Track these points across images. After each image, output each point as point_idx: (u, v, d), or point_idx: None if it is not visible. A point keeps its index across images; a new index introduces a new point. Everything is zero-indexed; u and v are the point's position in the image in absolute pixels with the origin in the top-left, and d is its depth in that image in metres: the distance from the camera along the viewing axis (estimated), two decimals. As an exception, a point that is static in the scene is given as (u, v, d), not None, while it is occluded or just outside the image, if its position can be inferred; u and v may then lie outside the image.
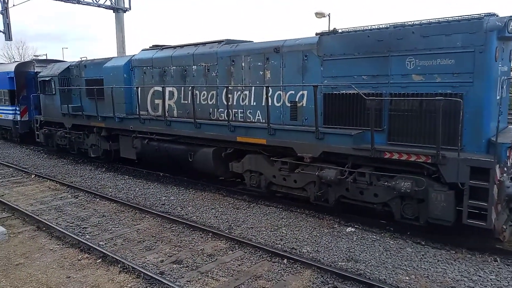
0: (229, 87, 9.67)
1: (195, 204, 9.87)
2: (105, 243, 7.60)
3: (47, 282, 6.23)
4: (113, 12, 25.79)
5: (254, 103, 9.49)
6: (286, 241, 7.38)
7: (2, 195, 11.10)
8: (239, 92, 9.77)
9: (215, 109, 10.34)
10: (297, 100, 8.65)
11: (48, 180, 12.73)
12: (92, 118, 13.67)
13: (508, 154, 6.61)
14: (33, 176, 13.45)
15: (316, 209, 8.85)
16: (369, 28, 7.56)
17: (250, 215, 8.87)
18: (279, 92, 8.95)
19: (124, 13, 26.10)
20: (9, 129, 20.30)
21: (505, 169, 6.61)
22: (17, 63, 20.75)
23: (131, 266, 6.44)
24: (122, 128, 12.69)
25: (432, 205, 6.75)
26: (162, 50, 11.89)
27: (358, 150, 7.40)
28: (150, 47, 12.64)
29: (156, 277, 6.05)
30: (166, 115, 11.12)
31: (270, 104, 8.74)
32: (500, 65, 6.76)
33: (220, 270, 6.40)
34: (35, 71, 18.59)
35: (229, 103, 9.62)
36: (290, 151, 8.57)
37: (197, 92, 10.50)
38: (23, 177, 13.42)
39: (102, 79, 13.28)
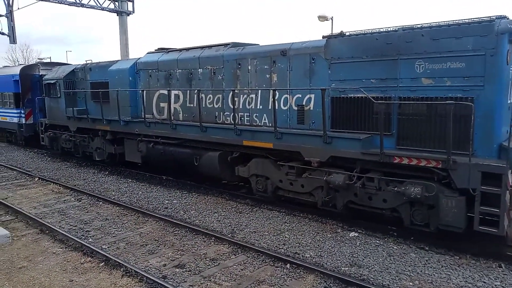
0: (235, 91, 9.60)
1: (198, 207, 9.85)
2: (108, 247, 7.59)
3: (50, 285, 6.23)
4: (117, 15, 25.92)
5: (261, 107, 9.41)
6: (289, 246, 7.35)
7: (6, 198, 11.11)
8: (245, 96, 9.70)
9: (221, 113, 10.26)
10: (304, 103, 8.56)
11: (52, 183, 12.75)
12: (97, 121, 13.64)
13: (520, 159, 6.49)
14: (36, 179, 13.47)
15: (319, 214, 8.79)
16: (378, 31, 7.46)
17: (253, 219, 8.83)
18: (285, 95, 8.86)
19: (127, 16, 26.22)
20: (13, 132, 20.35)
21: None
22: (22, 66, 20.80)
23: (134, 270, 6.43)
24: (127, 132, 12.65)
25: (443, 211, 6.63)
26: (168, 53, 11.84)
27: (367, 155, 7.30)
28: (155, 50, 12.61)
29: (159, 281, 6.03)
30: (172, 118, 11.06)
31: (276, 107, 8.65)
32: (511, 68, 6.65)
33: (222, 274, 6.37)
34: (40, 74, 18.61)
35: (235, 107, 9.55)
36: (297, 155, 8.48)
37: (203, 95, 10.43)
38: (26, 180, 13.44)
39: (107, 82, 13.26)
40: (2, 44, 78.87)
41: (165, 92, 11.33)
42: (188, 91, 10.93)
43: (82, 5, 24.21)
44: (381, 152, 7.02)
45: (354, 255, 6.86)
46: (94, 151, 14.50)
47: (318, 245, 7.35)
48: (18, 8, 21.95)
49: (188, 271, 6.49)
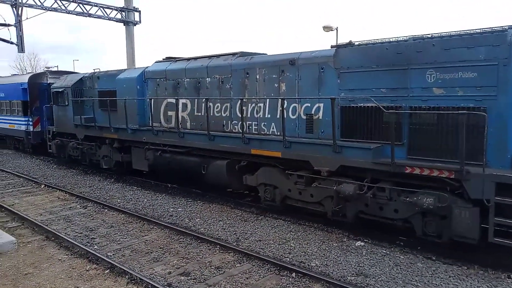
0: (244, 99, 9.59)
1: (202, 215, 9.86)
2: (113, 254, 7.61)
3: None
4: (124, 25, 26.11)
5: (269, 116, 9.39)
6: (295, 255, 7.32)
7: (12, 205, 11.20)
8: (253, 104, 9.68)
9: (229, 121, 10.25)
10: (313, 112, 8.53)
11: (58, 190, 12.83)
12: (104, 130, 13.68)
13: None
14: (42, 186, 13.55)
15: (325, 223, 8.76)
16: (388, 40, 7.44)
17: (258, 228, 8.81)
18: (294, 104, 8.84)
19: (134, 26, 26.42)
20: (21, 140, 20.44)
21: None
22: (30, 74, 21.00)
23: (139, 278, 6.45)
24: (135, 140, 12.66)
25: (456, 222, 6.54)
26: (176, 62, 11.88)
27: (378, 164, 7.24)
28: (163, 59, 12.66)
29: None
30: (180, 127, 11.06)
31: (285, 116, 8.62)
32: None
33: (227, 283, 6.35)
34: (48, 82, 18.74)
35: (244, 115, 9.53)
36: (305, 164, 8.43)
37: (211, 104, 10.43)
38: (33, 187, 13.53)
39: (115, 90, 13.30)
40: (10, 53, 79.70)
41: (173, 100, 11.35)
42: (196, 99, 10.94)
43: (90, 15, 24.42)
44: (392, 162, 6.95)
45: (360, 265, 6.82)
46: (101, 159, 14.52)
47: (324, 254, 7.33)
48: (27, 18, 22.11)
49: (193, 279, 6.50)
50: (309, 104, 8.57)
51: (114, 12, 25.33)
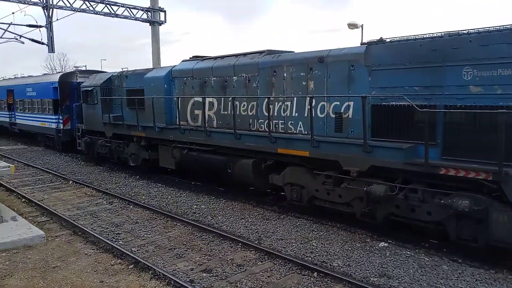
0: (271, 98, 9.50)
1: (225, 213, 9.92)
2: (137, 250, 7.74)
3: (81, 285, 6.42)
4: (149, 25, 26.48)
5: (296, 114, 9.27)
6: (317, 254, 7.27)
7: (42, 200, 11.54)
8: (280, 103, 9.58)
9: (255, 120, 10.19)
10: (342, 111, 8.36)
11: (85, 187, 13.16)
12: (132, 128, 13.87)
13: None
14: (70, 182, 13.94)
15: (348, 223, 8.65)
16: (422, 37, 7.20)
17: (280, 227, 8.80)
18: (322, 103, 8.68)
19: (159, 26, 26.74)
20: (51, 137, 21.01)
21: None
22: (61, 73, 21.57)
23: (162, 273, 6.52)
24: (162, 138, 12.78)
25: (494, 226, 6.26)
26: (203, 61, 11.91)
27: (410, 165, 7.01)
28: (190, 58, 12.71)
29: (186, 285, 6.10)
30: (206, 125, 11.08)
31: (313, 115, 8.49)
32: None
33: (249, 281, 6.36)
34: (78, 81, 19.17)
35: (270, 114, 9.44)
36: (333, 164, 8.27)
37: (237, 102, 10.39)
38: (61, 183, 13.92)
39: (142, 89, 13.46)
40: (41, 53, 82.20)
41: (200, 99, 11.38)
42: (222, 98, 10.93)
43: (117, 16, 24.88)
44: (426, 163, 6.72)
45: (383, 266, 6.71)
46: (128, 157, 14.73)
47: (346, 254, 7.25)
48: (57, 19, 22.72)
49: (215, 276, 6.55)
50: (338, 103, 8.40)
51: (140, 12, 25.73)
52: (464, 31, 6.75)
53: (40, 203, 11.02)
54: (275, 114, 9.63)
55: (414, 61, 7.19)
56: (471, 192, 6.55)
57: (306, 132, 8.98)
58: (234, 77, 10.64)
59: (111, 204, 11.12)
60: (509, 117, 5.97)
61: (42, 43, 23.12)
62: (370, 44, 7.89)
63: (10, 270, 6.97)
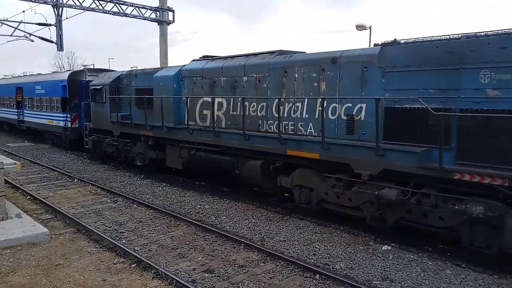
0: (281, 99, 9.40)
1: (228, 214, 9.89)
2: (140, 249, 7.72)
3: (84, 283, 6.38)
4: (158, 24, 26.56)
5: (306, 116, 9.15)
6: (319, 256, 7.25)
7: (47, 198, 11.53)
8: (290, 104, 9.47)
9: (264, 121, 10.08)
10: (354, 113, 8.23)
11: (90, 185, 13.15)
12: (140, 127, 13.82)
13: None
14: (76, 180, 13.93)
15: (351, 225, 8.60)
16: (438, 38, 7.06)
17: (283, 228, 8.77)
18: (334, 104, 8.57)
19: (168, 26, 26.81)
20: (59, 135, 21.04)
21: None
22: (70, 71, 21.59)
23: (164, 273, 6.51)
24: (170, 138, 12.71)
25: (509, 233, 6.09)
26: (213, 60, 11.85)
27: (424, 169, 6.86)
28: (200, 57, 12.66)
29: (188, 285, 6.08)
30: (215, 126, 10.99)
31: (324, 116, 8.37)
32: None
33: (251, 282, 6.35)
34: (87, 79, 19.20)
35: (280, 115, 9.33)
36: (344, 167, 8.14)
37: (247, 103, 10.29)
38: (66, 181, 13.93)
39: (151, 88, 13.42)
40: (50, 51, 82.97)
41: (209, 99, 11.30)
42: (231, 98, 10.85)
43: (125, 15, 24.99)
44: (440, 167, 6.57)
45: (386, 269, 6.67)
46: (136, 156, 14.68)
47: (349, 257, 7.22)
48: (67, 18, 22.85)
49: (217, 277, 6.53)
50: (350, 104, 8.28)
51: (149, 11, 25.82)
52: (482, 33, 6.61)
53: (45, 201, 11.02)
54: (285, 115, 9.52)
55: (430, 63, 7.06)
56: (485, 198, 6.39)
57: (316, 134, 8.86)
58: (244, 77, 10.55)
59: (115, 202, 11.10)
60: (529, 122, 5.81)
61: (51, 42, 23.27)
62: (384, 45, 7.76)
63: (14, 267, 6.93)
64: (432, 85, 7.07)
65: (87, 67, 25.86)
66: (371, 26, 23.45)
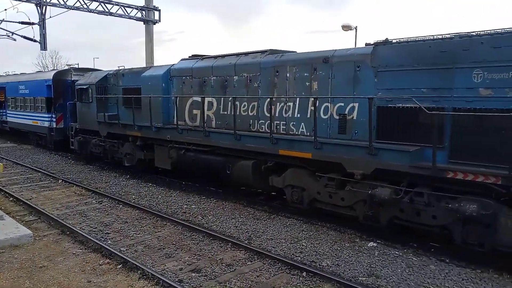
0: (273, 98, 9.32)
1: (215, 213, 9.85)
2: (126, 249, 7.65)
3: (69, 285, 6.29)
4: (143, 23, 26.30)
5: (298, 115, 9.09)
6: (306, 254, 7.28)
7: (30, 199, 11.30)
8: (282, 104, 9.41)
9: (256, 121, 9.99)
10: (346, 112, 8.20)
11: (74, 186, 12.93)
12: (128, 127, 13.58)
13: None
14: (60, 181, 13.67)
15: (338, 223, 8.67)
16: (431, 38, 7.08)
17: (270, 226, 8.79)
18: (326, 104, 8.53)
19: (154, 25, 26.57)
20: (44, 136, 20.58)
21: None
22: (55, 71, 21.14)
23: (151, 273, 6.46)
24: (159, 138, 12.52)
25: (503, 231, 6.13)
26: (202, 60, 11.71)
27: (417, 168, 6.86)
28: (189, 56, 12.51)
29: (175, 285, 6.05)
30: (205, 125, 10.85)
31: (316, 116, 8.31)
32: None
33: (238, 280, 6.33)
34: (72, 79, 18.82)
35: (272, 115, 9.25)
36: (336, 166, 8.10)
37: (237, 103, 10.18)
38: (50, 182, 13.65)
39: (139, 88, 13.21)
40: (33, 51, 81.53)
41: (199, 99, 11.16)
42: (222, 98, 10.73)
43: (111, 14, 24.69)
44: (434, 166, 6.57)
45: (372, 265, 6.75)
46: (123, 157, 14.43)
47: (335, 254, 7.28)
48: (50, 17, 22.42)
49: (204, 276, 6.50)
50: (342, 104, 8.25)
51: (135, 11, 25.54)
52: (475, 33, 6.65)
53: (28, 202, 10.79)
54: (277, 115, 9.45)
55: (423, 62, 7.07)
56: (478, 196, 6.41)
57: (308, 134, 8.81)
58: (235, 77, 10.45)
59: (101, 203, 10.95)
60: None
61: (35, 41, 22.81)
62: (377, 44, 7.76)
63: (-4, 270, 6.73)
64: (425, 85, 7.08)
65: (72, 66, 25.38)
66: (356, 27, 23.68)
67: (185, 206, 10.51)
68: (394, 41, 7.66)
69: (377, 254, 7.20)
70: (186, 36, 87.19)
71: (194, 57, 12.29)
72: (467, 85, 6.60)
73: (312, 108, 8.41)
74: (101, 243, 7.75)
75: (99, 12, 24.36)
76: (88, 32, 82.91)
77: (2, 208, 10.22)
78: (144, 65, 23.24)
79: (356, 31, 23.67)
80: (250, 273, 6.58)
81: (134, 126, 13.15)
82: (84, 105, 16.03)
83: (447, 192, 6.74)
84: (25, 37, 23.07)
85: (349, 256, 7.15)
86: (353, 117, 8.10)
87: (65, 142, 18.33)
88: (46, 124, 19.68)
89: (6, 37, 24.70)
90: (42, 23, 22.50)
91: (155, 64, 21.78)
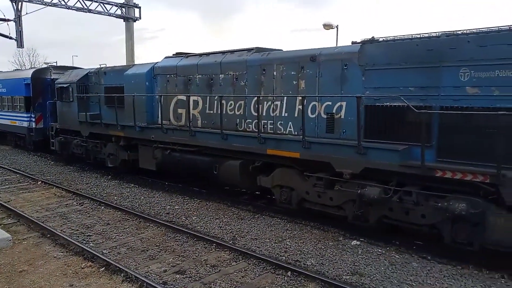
0: (260, 97, 9.21)
1: (199, 213, 9.77)
2: (109, 252, 7.53)
3: None
4: (124, 21, 25.84)
5: (286, 114, 9.00)
6: (290, 253, 7.29)
7: (8, 201, 11.03)
8: (269, 102, 9.30)
9: (243, 120, 9.87)
10: (334, 111, 8.15)
11: (54, 187, 12.67)
12: (111, 127, 13.28)
13: None
14: (39, 182, 13.36)
15: (321, 222, 8.72)
16: (418, 36, 7.07)
17: (254, 226, 8.76)
18: (314, 102, 8.46)
19: (134, 22, 26.14)
20: (23, 136, 20.00)
21: None
22: (34, 69, 20.54)
23: (134, 276, 6.38)
24: (143, 138, 12.27)
25: (491, 229, 6.17)
26: (187, 58, 11.50)
27: (406, 167, 6.86)
28: (173, 54, 12.28)
29: (159, 287, 6.01)
30: (191, 125, 10.67)
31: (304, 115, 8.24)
32: None
33: (223, 281, 6.31)
34: (52, 77, 18.30)
35: (259, 114, 9.14)
36: (325, 166, 8.05)
37: (224, 101, 10.03)
38: (29, 184, 13.33)
39: (122, 86, 12.91)
40: (9, 48, 79.25)
41: (184, 98, 10.97)
42: (208, 97, 10.56)
43: (90, 11, 24.21)
44: (423, 165, 6.58)
45: (355, 264, 6.82)
46: (106, 157, 14.11)
47: (319, 253, 7.30)
48: (27, 13, 21.79)
49: (189, 278, 6.44)
50: (330, 103, 8.20)
51: (114, 8, 25.05)
52: (462, 31, 6.66)
53: (6, 205, 10.51)
54: (264, 114, 9.34)
55: (410, 61, 7.06)
56: (467, 195, 6.45)
57: (296, 133, 8.74)
58: (220, 75, 10.29)
59: (82, 205, 10.74)
60: (509, 119, 5.87)
61: (11, 38, 22.15)
62: (364, 43, 7.71)
63: (-28, 276, 6.54)
64: (412, 83, 7.07)
65: (51, 64, 24.74)
66: (337, 25, 23.78)
67: (168, 206, 10.40)
68: (381, 39, 7.62)
69: (361, 252, 7.27)
70: (167, 33, 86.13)
71: (179, 55, 12.06)
72: (454, 84, 6.62)
73: (300, 107, 8.34)
74: (83, 246, 7.62)
75: (78, 9, 23.84)
76: (66, 29, 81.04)
77: (-21, 212, 9.92)
78: (124, 63, 22.84)
79: (337, 30, 23.81)
80: (235, 273, 6.56)
81: (117, 125, 12.86)
82: (64, 104, 15.60)
83: (435, 191, 6.77)
84: (0, 34, 22.35)
85: (333, 254, 7.20)
86: (340, 116, 8.06)
87: (45, 143, 17.85)
88: (25, 124, 19.11)
89: (-20, 34, 23.91)
90: (18, 20, 21.86)
91: (136, 62, 21.35)
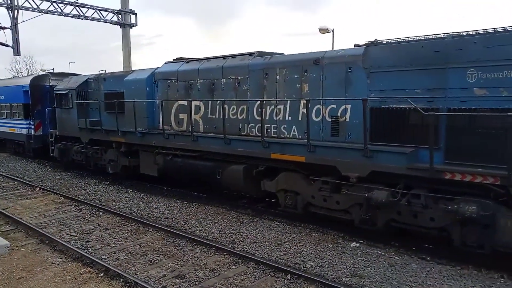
0: (263, 101, 9.13)
1: (198, 218, 9.74)
2: (107, 257, 7.50)
3: None
4: (120, 27, 25.76)
5: (289, 118, 8.93)
6: (290, 256, 7.29)
7: (6, 208, 10.96)
8: (272, 106, 9.22)
9: (246, 124, 9.78)
10: (339, 114, 8.07)
11: (52, 193, 12.61)
12: (111, 133, 13.17)
13: None
14: (37, 189, 13.29)
15: (320, 224, 8.71)
16: (424, 38, 7.02)
17: (253, 230, 8.75)
18: (318, 106, 8.38)
19: (130, 29, 26.06)
20: (22, 144, 19.85)
21: None
22: (32, 76, 20.40)
23: (133, 281, 6.34)
24: (144, 144, 12.16)
25: (501, 231, 6.10)
26: (188, 62, 11.42)
27: (414, 170, 6.78)
28: (174, 59, 12.21)
29: None
30: (192, 130, 10.57)
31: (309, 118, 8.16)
32: None
33: (223, 285, 6.29)
34: (51, 84, 18.20)
35: (263, 118, 9.06)
36: (330, 170, 7.97)
37: (226, 106, 9.94)
38: (27, 190, 13.27)
39: (122, 92, 12.82)
40: (5, 56, 79.05)
41: (185, 103, 10.88)
42: (209, 102, 10.47)
43: (86, 18, 24.11)
44: (431, 167, 6.50)
45: (355, 266, 6.81)
46: (107, 164, 13.99)
47: (319, 255, 7.29)
48: (23, 21, 21.70)
49: (188, 282, 6.41)
50: (334, 106, 8.12)
51: (111, 14, 24.98)
52: (468, 32, 6.60)
53: (4, 212, 10.42)
54: (267, 118, 9.25)
55: (416, 63, 6.99)
56: (477, 197, 6.37)
57: (300, 137, 8.66)
58: (222, 80, 10.21)
59: (80, 211, 10.67)
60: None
61: (7, 45, 22.03)
62: (368, 45, 7.65)
63: (-29, 283, 6.50)
64: (418, 85, 7.00)
65: (49, 71, 24.60)
66: (333, 29, 23.84)
67: (167, 211, 10.36)
68: (385, 41, 7.57)
69: (360, 254, 7.26)
70: (164, 39, 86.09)
71: (179, 60, 11.99)
72: (461, 85, 6.55)
73: (304, 110, 8.27)
74: (81, 252, 7.58)
75: (74, 16, 23.74)
76: (63, 36, 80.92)
77: (-23, 219, 9.84)
78: (121, 69, 22.72)
79: (333, 34, 23.86)
80: (235, 277, 6.53)
81: (117, 132, 12.75)
82: (64, 111, 15.49)
83: (443, 194, 6.69)
84: (-4, 42, 22.23)
85: (333, 257, 7.18)
86: (345, 119, 7.98)
87: (45, 150, 17.71)
88: (24, 131, 18.98)
89: (-23, 42, 23.77)
90: (14, 27, 21.74)
91: (133, 68, 21.35)
